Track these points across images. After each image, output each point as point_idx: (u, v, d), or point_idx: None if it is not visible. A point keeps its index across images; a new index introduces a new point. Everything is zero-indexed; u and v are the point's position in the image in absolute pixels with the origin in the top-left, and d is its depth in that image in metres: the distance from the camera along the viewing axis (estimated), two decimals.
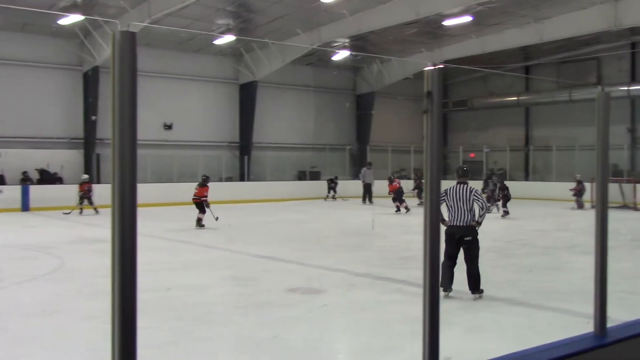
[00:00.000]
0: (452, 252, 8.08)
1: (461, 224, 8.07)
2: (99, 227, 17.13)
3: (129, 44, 1.68)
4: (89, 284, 9.12)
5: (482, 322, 7.17)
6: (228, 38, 26.03)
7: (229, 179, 29.38)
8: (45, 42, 25.04)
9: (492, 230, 14.48)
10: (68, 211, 20.68)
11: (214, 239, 14.96)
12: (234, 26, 25.26)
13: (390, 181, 22.38)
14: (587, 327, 2.68)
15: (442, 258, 7.19)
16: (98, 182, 24.83)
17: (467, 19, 23.73)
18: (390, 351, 6.01)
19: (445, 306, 6.29)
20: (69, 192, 21.99)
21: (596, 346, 2.49)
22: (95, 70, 25.28)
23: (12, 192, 22.67)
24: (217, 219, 16.98)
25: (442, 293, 7.50)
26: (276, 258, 11.78)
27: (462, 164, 23.46)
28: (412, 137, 32.33)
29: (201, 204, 16.98)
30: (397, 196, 21.84)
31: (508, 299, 8.21)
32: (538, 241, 14.74)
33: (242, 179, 29.49)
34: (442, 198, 7.63)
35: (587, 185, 23.73)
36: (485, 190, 22.42)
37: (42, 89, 25.18)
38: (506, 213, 20.42)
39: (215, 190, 27.12)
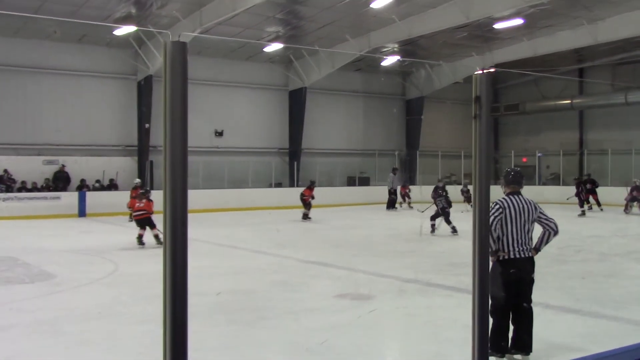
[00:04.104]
0: (510, 304, 5.55)
1: (526, 254, 5.54)
2: None
3: (180, 53, 1.72)
4: (142, 288, 9.31)
5: (534, 329, 7.01)
6: (277, 45, 26.24)
7: (279, 185, 29.64)
8: (101, 53, 25.74)
9: None
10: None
11: (264, 244, 15.07)
12: (283, 33, 25.46)
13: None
14: None
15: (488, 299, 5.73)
16: (151, 188, 25.36)
17: (518, 21, 23.35)
18: (440, 357, 5.96)
19: None
20: (124, 198, 22.48)
21: None
22: (149, 79, 25.85)
23: (70, 198, 23.37)
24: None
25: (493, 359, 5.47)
26: (326, 263, 11.79)
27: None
28: (462, 142, 31.94)
29: (149, 219, 14.16)
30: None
31: (561, 307, 8.03)
32: (593, 247, 14.37)
33: (291, 184, 29.66)
34: (498, 215, 5.50)
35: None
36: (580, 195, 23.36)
37: (98, 98, 25.88)
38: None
39: (265, 195, 27.60)
